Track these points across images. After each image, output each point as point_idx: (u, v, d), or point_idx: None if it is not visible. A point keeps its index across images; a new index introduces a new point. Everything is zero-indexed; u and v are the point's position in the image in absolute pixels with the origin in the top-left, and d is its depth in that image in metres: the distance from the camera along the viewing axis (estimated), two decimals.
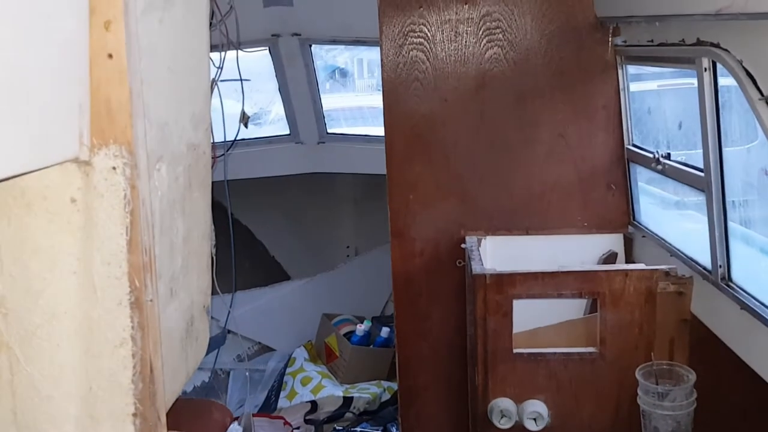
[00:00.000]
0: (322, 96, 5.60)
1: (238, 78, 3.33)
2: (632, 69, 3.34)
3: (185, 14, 1.76)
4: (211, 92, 2.29)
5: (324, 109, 5.68)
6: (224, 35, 2.85)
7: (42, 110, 1.19)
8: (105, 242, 1.37)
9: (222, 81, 3.31)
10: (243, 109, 3.38)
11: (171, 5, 1.66)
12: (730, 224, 2.57)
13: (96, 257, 1.37)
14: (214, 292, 6.45)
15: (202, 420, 2.05)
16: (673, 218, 3.34)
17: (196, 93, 1.84)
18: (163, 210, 1.65)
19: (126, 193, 1.35)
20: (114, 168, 1.34)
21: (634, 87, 3.38)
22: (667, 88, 3.50)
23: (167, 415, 1.85)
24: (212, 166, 2.16)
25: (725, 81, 2.48)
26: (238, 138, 3.53)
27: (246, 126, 3.44)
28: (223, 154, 3.22)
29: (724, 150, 2.53)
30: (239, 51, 3.26)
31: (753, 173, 2.60)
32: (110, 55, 1.29)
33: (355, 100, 6.67)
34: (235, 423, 2.46)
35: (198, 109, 1.85)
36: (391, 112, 3.52)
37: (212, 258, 2.25)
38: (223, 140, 3.31)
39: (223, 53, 2.89)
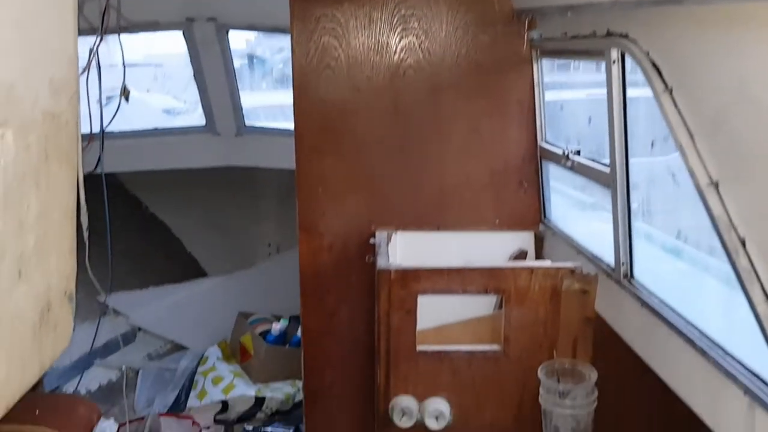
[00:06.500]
0: (241, 92, 5.42)
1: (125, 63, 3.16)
2: (549, 78, 3.30)
3: None
4: (88, 69, 2.12)
5: (244, 107, 5.50)
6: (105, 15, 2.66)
7: None
8: None
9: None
10: (124, 83, 3.19)
11: None
12: (636, 223, 2.53)
13: None
14: (126, 289, 6.16)
15: (65, 416, 1.88)
16: (581, 218, 3.31)
17: (58, 56, 1.68)
18: (8, 181, 1.48)
19: None
20: None
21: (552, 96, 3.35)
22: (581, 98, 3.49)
23: (23, 408, 1.69)
24: (84, 148, 2.00)
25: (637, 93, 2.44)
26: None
27: (127, 100, 3.25)
28: (100, 132, 3.01)
29: (632, 147, 2.49)
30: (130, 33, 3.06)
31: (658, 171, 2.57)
32: None
33: (276, 97, 6.48)
34: (106, 420, 2.28)
35: (59, 74, 1.69)
36: (301, 100, 3.39)
37: (86, 242, 2.09)
38: (100, 122, 3.08)
39: (98, 37, 2.70)
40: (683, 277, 2.51)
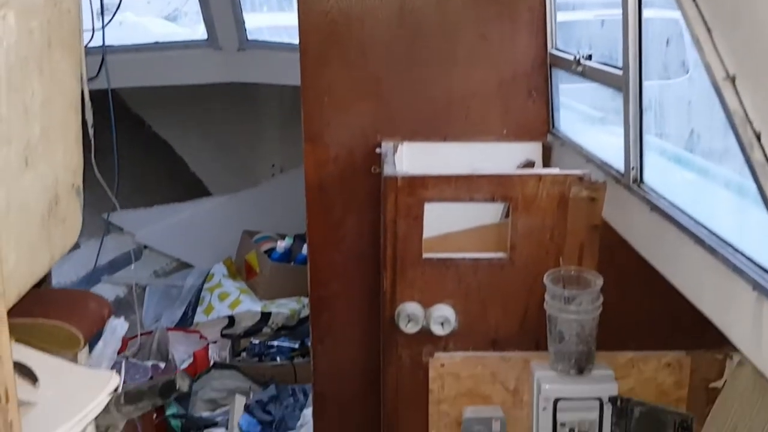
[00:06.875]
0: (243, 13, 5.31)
1: None
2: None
3: None
4: None
5: (246, 28, 5.37)
6: None
7: None
8: None
9: None
10: None
11: None
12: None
13: None
14: (131, 207, 6.16)
15: (77, 311, 1.89)
16: (593, 129, 3.27)
17: None
18: (11, 64, 1.45)
19: None
20: None
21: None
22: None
23: (33, 302, 1.70)
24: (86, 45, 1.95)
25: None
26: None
27: None
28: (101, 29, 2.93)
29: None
30: None
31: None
32: None
33: (278, 18, 6.34)
34: (117, 318, 2.31)
35: None
36: (305, 7, 3.31)
37: (91, 141, 2.06)
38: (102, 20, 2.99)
39: None
40: (694, 187, 2.48)
